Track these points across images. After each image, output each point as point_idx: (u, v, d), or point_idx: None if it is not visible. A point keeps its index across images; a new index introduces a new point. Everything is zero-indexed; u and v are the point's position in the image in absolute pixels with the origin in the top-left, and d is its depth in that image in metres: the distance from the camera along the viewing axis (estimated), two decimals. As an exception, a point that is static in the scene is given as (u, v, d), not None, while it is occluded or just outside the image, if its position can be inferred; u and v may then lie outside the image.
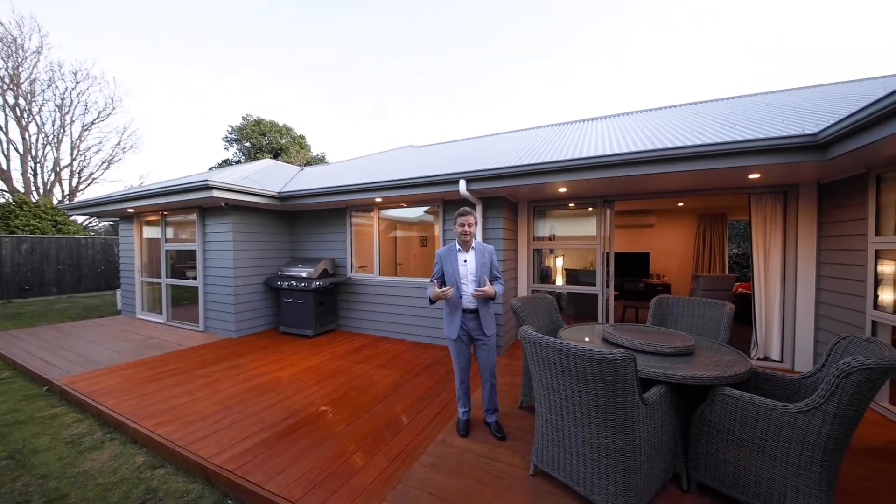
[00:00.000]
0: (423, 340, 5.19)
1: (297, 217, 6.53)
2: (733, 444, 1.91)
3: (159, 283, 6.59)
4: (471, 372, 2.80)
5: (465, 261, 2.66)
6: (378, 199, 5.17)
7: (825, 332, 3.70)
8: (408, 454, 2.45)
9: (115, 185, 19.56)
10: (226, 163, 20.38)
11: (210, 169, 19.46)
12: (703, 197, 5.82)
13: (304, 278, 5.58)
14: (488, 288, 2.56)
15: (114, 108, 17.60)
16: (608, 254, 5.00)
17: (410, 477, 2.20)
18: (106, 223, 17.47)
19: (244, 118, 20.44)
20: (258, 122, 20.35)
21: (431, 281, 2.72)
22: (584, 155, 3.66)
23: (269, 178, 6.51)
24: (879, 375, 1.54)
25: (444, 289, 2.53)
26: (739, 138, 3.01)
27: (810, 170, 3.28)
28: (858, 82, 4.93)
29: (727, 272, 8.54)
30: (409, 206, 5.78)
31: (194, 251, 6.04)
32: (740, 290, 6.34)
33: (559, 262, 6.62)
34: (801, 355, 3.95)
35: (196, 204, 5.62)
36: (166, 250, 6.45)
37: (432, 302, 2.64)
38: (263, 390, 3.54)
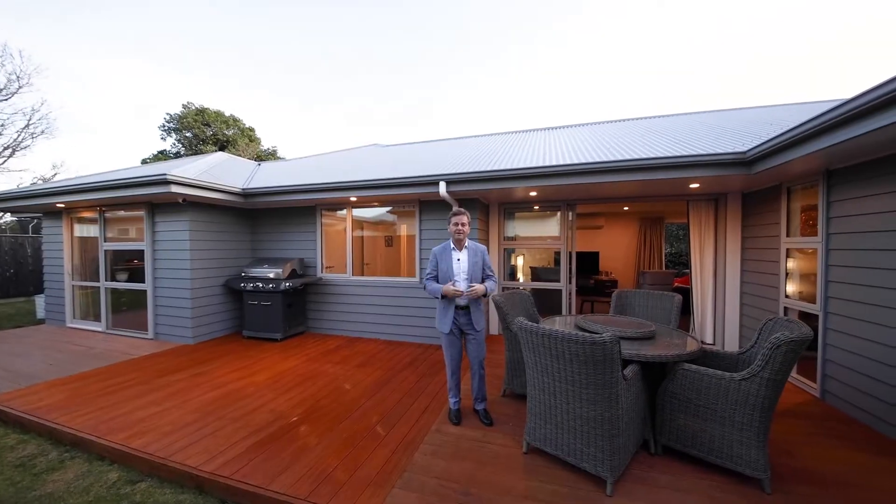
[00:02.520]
0: (399, 339, 5.25)
1: (259, 215, 6.22)
2: (691, 411, 2.27)
3: (97, 288, 5.90)
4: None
5: (459, 259, 2.81)
6: (353, 199, 5.14)
7: (748, 317, 4.40)
8: (407, 444, 2.55)
9: (21, 176, 16.84)
10: (162, 154, 18.44)
11: (143, 161, 17.57)
12: (645, 202, 6.54)
13: (271, 279, 5.36)
14: (478, 287, 2.72)
15: (19, 87, 15.11)
16: (571, 252, 5.45)
17: (414, 464, 2.31)
18: (12, 219, 15.00)
19: (185, 106, 18.63)
20: (201, 111, 18.67)
21: (428, 278, 2.83)
22: (557, 163, 4.00)
23: (226, 173, 6.13)
24: (799, 346, 1.96)
25: (457, 287, 2.69)
26: (687, 153, 3.51)
27: (738, 181, 3.90)
28: (774, 108, 5.84)
29: (664, 268, 9.61)
30: (381, 206, 5.81)
31: (140, 251, 5.52)
32: (677, 283, 7.22)
33: (520, 260, 7.02)
34: (730, 338, 4.65)
35: (146, 199, 5.15)
36: (106, 250, 5.80)
37: (443, 297, 2.74)
38: (240, 396, 3.40)
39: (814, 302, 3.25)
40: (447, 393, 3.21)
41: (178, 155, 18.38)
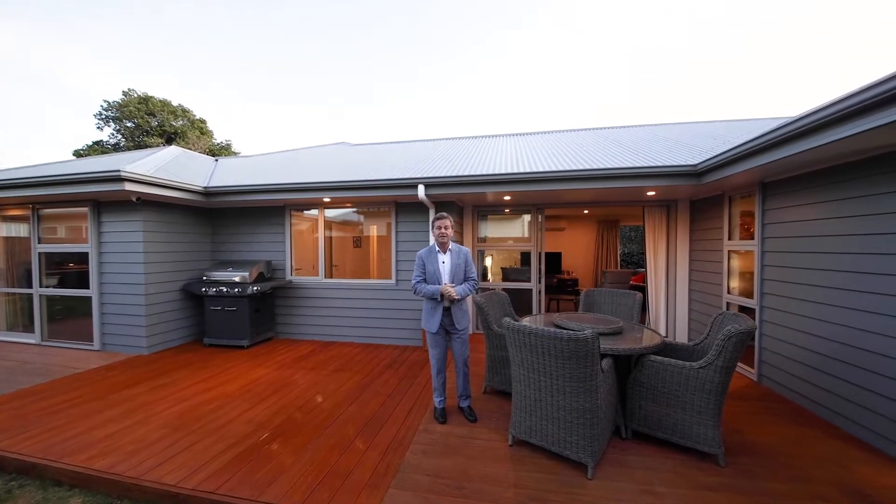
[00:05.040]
0: (375, 342, 5.22)
1: (221, 215, 5.88)
2: (657, 398, 2.53)
3: (28, 295, 5.26)
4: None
5: (443, 261, 2.89)
6: (326, 199, 5.03)
7: (696, 312, 4.90)
8: (396, 445, 2.59)
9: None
10: (98, 145, 16.60)
11: (77, 153, 15.77)
12: (606, 207, 7.03)
13: (236, 283, 5.10)
14: (451, 290, 2.78)
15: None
16: (541, 253, 5.73)
17: (406, 464, 2.35)
18: None
19: (126, 93, 16.87)
20: (145, 100, 17.01)
21: (417, 281, 2.88)
22: (531, 169, 4.21)
23: (183, 169, 5.72)
24: (747, 337, 2.26)
25: (452, 292, 2.77)
26: (648, 164, 3.85)
27: (688, 190, 4.35)
28: (718, 123, 6.48)
29: (619, 267, 10.33)
30: (355, 207, 5.75)
31: (82, 253, 5.01)
32: (633, 282, 7.82)
33: (488, 261, 7.23)
34: (680, 331, 5.14)
35: (91, 197, 4.69)
36: (40, 252, 5.19)
37: (442, 297, 2.80)
38: (212, 407, 3.24)
39: (751, 297, 3.71)
40: (431, 393, 3.28)
41: (117, 146, 16.66)
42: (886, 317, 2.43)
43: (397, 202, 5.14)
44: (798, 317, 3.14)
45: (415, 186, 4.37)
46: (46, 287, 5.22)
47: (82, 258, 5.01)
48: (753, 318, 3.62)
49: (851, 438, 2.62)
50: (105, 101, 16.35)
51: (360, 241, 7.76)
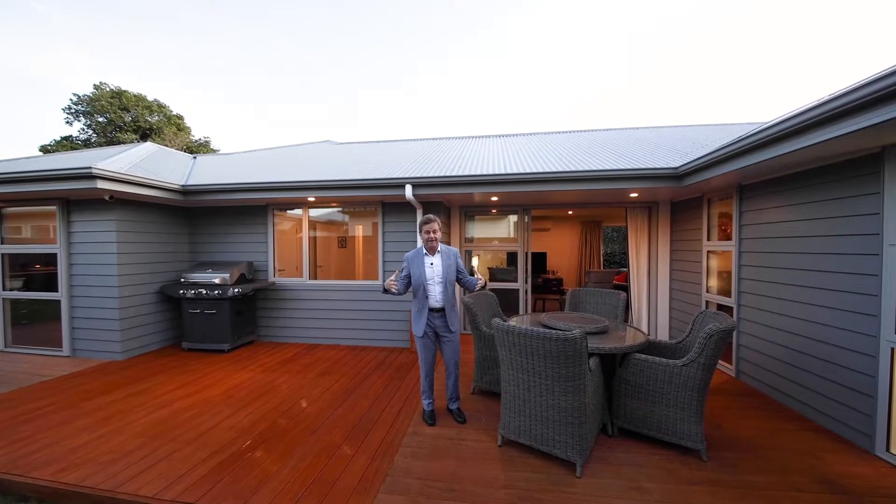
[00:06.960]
0: (362, 344, 5.15)
1: (199, 214, 5.69)
2: (642, 395, 2.58)
3: (-10, 298, 4.96)
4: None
5: (432, 263, 2.88)
6: (311, 199, 4.94)
7: (676, 310, 5.04)
8: (385, 449, 2.55)
9: None
10: (68, 141, 15.78)
11: (44, 149, 14.98)
12: (590, 208, 7.14)
13: (216, 285, 4.94)
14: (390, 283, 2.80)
15: None
16: (527, 253, 5.78)
17: (395, 468, 2.33)
18: None
19: (98, 87, 16.08)
20: (118, 94, 16.26)
21: (396, 279, 2.85)
22: (519, 171, 4.24)
23: (160, 166, 5.52)
24: (728, 335, 2.34)
25: (391, 280, 2.80)
26: (632, 167, 3.94)
27: (669, 192, 4.47)
28: (697, 127, 6.68)
29: (602, 267, 10.54)
30: (341, 206, 5.67)
31: (50, 255, 4.75)
32: (616, 281, 7.99)
33: (475, 261, 7.25)
34: (661, 329, 5.28)
35: (61, 195, 4.46)
36: (3, 253, 4.90)
37: (385, 290, 2.82)
38: (192, 414, 3.12)
39: (729, 296, 3.84)
40: (419, 395, 3.26)
41: (88, 142, 15.90)
42: (856, 314, 2.55)
43: (384, 202, 5.09)
44: (773, 314, 3.26)
45: (402, 186, 4.34)
46: (10, 290, 4.94)
47: (50, 259, 4.76)
48: (731, 316, 3.75)
49: (824, 430, 2.74)
50: (75, 94, 15.60)
51: (345, 242, 7.66)
